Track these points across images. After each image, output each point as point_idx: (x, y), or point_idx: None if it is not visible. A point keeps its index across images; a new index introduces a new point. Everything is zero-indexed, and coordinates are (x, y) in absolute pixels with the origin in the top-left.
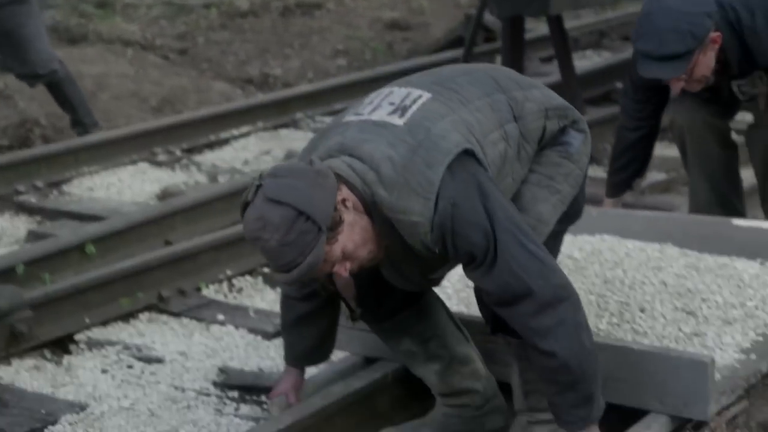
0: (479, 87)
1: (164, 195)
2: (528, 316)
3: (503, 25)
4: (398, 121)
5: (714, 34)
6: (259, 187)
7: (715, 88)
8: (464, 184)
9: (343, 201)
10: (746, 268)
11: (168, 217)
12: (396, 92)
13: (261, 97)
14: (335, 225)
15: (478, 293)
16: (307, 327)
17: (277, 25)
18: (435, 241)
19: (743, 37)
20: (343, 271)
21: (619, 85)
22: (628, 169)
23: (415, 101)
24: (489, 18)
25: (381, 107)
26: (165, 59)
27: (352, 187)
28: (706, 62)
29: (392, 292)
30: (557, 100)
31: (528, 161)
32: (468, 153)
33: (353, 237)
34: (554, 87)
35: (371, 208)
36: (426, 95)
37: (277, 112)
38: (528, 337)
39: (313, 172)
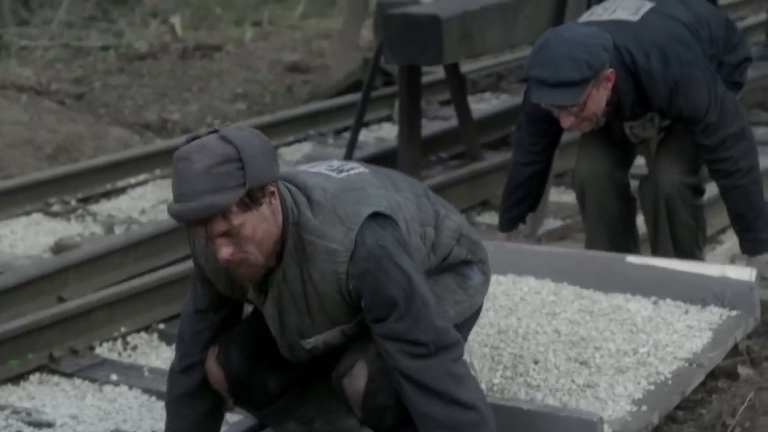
0: (411, 186)
1: (58, 248)
2: (449, 363)
3: (400, 71)
4: (335, 175)
5: (608, 71)
6: (216, 130)
7: (607, 129)
8: (390, 234)
9: (272, 194)
10: (639, 309)
11: (61, 272)
12: (335, 161)
13: (159, 144)
14: (256, 198)
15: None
16: (187, 407)
17: (176, 68)
18: (351, 275)
19: (638, 79)
20: (224, 249)
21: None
22: (521, 205)
23: (352, 168)
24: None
25: (319, 166)
26: (61, 104)
27: (281, 201)
28: (598, 99)
29: (267, 373)
30: (474, 235)
31: (428, 272)
32: (394, 220)
33: (257, 227)
34: (452, 132)
35: (288, 227)
36: (364, 169)
37: None
38: (444, 390)
39: (272, 151)
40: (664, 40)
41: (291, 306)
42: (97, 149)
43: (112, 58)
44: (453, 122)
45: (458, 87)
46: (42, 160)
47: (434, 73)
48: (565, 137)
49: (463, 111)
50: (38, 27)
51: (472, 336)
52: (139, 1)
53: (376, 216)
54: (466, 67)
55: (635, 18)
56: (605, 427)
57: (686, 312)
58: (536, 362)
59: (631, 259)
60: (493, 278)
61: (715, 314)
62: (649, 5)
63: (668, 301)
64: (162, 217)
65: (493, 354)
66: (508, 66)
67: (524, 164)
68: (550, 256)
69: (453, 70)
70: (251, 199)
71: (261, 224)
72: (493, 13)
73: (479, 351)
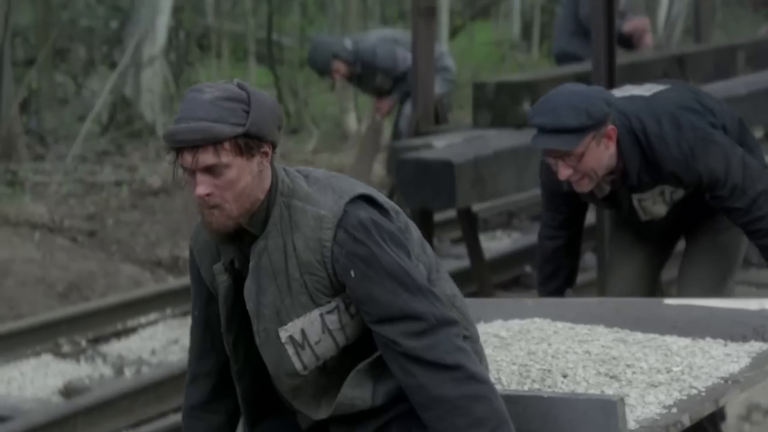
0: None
1: (67, 391)
2: (455, 337)
3: (412, 213)
4: None
5: (610, 128)
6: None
7: (614, 200)
8: (385, 219)
9: (265, 156)
10: (676, 341)
11: (70, 418)
12: None
13: (170, 282)
14: (250, 147)
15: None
16: (198, 420)
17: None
18: (337, 242)
19: (650, 145)
20: (203, 187)
21: (528, 269)
22: (554, 280)
23: None
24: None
25: None
26: (73, 241)
27: (273, 173)
28: (597, 155)
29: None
30: (467, 311)
31: None
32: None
33: (242, 176)
34: (464, 271)
35: (275, 196)
36: None
37: (187, 298)
38: (458, 363)
39: (279, 118)
40: (677, 108)
41: (271, 282)
42: (109, 287)
43: (125, 193)
44: (465, 261)
45: (470, 226)
46: (53, 299)
47: (444, 212)
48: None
49: (474, 250)
50: (53, 162)
51: (501, 355)
52: (152, 134)
53: (371, 200)
54: (477, 205)
55: (647, 94)
56: (627, 412)
57: (725, 345)
58: (565, 376)
59: (670, 301)
60: (528, 319)
61: (755, 347)
62: (663, 86)
63: (708, 339)
64: (172, 358)
65: (521, 371)
66: (519, 204)
67: (547, 238)
68: (587, 305)
69: (465, 209)
70: (245, 146)
71: (246, 176)
72: (506, 157)
73: (507, 368)
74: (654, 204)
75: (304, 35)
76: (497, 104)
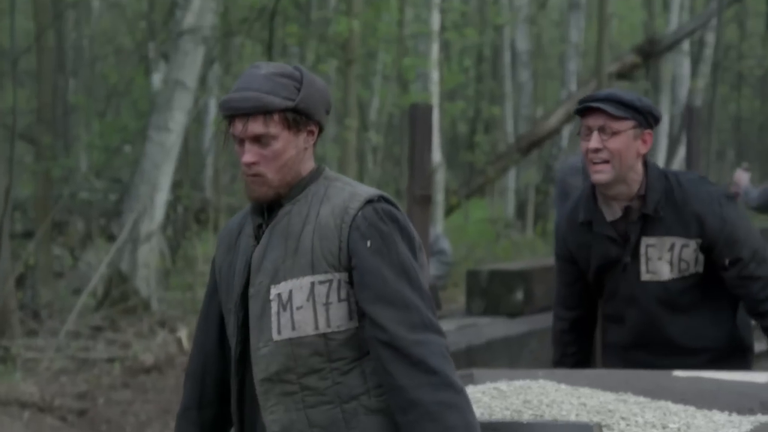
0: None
1: None
2: (443, 346)
3: None
4: None
5: (648, 132)
6: None
7: (622, 241)
8: (410, 229)
9: (311, 134)
10: (678, 405)
11: None
12: None
13: None
14: (298, 123)
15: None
16: (190, 424)
17: (181, 383)
18: (358, 210)
19: (680, 183)
20: (250, 155)
21: None
22: (566, 362)
23: None
24: None
25: None
26: (63, 421)
27: (319, 163)
28: (629, 145)
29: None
30: None
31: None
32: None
33: (287, 149)
34: None
35: (316, 176)
36: None
37: None
38: (440, 368)
39: (328, 103)
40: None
41: (281, 242)
42: None
43: (117, 370)
44: None
45: None
46: None
47: None
48: None
49: None
50: (45, 337)
51: (496, 403)
52: (147, 310)
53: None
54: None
55: None
56: None
57: (729, 414)
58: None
59: (678, 372)
60: (533, 380)
61: (760, 419)
62: None
63: (714, 411)
64: None
65: (513, 415)
66: None
67: (559, 318)
68: (597, 376)
69: None
70: (293, 121)
71: (291, 149)
72: (498, 346)
73: (500, 413)
74: (660, 258)
75: None
76: (490, 292)
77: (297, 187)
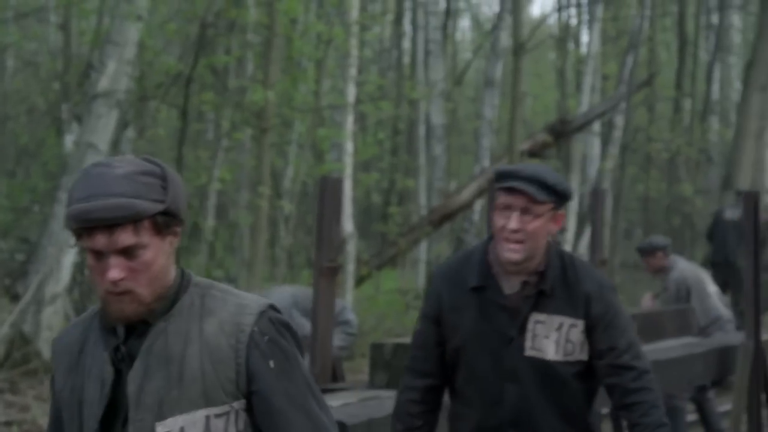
0: None
1: None
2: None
3: None
4: None
5: (561, 213)
6: None
7: (513, 313)
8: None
9: (176, 236)
10: None
11: None
12: None
13: None
14: (168, 226)
15: None
16: None
17: None
18: (253, 326)
19: (573, 264)
20: (116, 270)
21: None
22: None
23: None
24: None
25: None
26: None
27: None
28: (544, 228)
29: None
30: None
31: None
32: None
33: (158, 258)
34: None
35: (182, 285)
36: None
37: None
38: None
39: (187, 195)
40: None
41: (161, 368)
42: None
43: None
44: None
45: None
46: None
47: None
48: None
49: None
50: None
51: None
52: (48, 373)
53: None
54: None
55: None
56: None
57: None
58: None
59: None
60: None
61: None
62: None
63: None
64: None
65: None
66: None
67: (407, 388)
68: None
69: None
70: (164, 224)
71: (161, 257)
72: None
73: None
74: (547, 337)
75: (210, 277)
76: (394, 365)
77: (165, 299)
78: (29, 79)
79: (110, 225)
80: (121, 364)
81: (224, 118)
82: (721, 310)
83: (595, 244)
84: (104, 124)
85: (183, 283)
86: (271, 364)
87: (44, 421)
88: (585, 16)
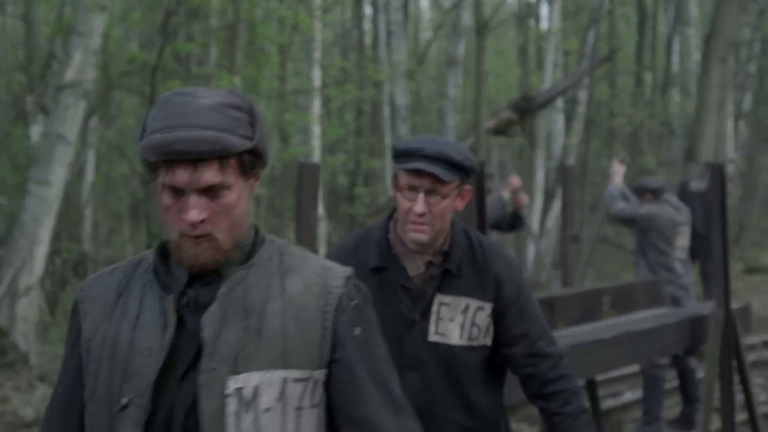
0: None
1: None
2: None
3: None
4: None
5: (467, 188)
6: None
7: (417, 296)
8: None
9: (256, 179)
10: None
11: None
12: None
13: None
14: (253, 167)
15: None
16: None
17: None
18: (342, 289)
19: (482, 245)
20: (197, 211)
21: None
22: None
23: None
24: None
25: None
26: None
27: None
28: (451, 206)
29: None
30: None
31: None
32: None
33: (240, 201)
34: None
35: (258, 240)
36: None
37: None
38: None
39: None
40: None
41: (239, 318)
42: None
43: None
44: None
45: None
46: None
47: None
48: None
49: None
50: None
51: None
52: (26, 364)
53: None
54: None
55: None
56: None
57: None
58: None
59: None
60: None
61: None
62: None
63: None
64: None
65: None
66: None
67: None
68: None
69: None
70: (249, 164)
71: (243, 201)
72: None
73: None
74: (452, 320)
75: None
76: None
77: (241, 250)
78: None
79: (194, 160)
80: (184, 310)
81: None
82: (674, 266)
83: (566, 220)
84: (72, 115)
85: (258, 237)
86: (356, 331)
87: (25, 412)
88: None
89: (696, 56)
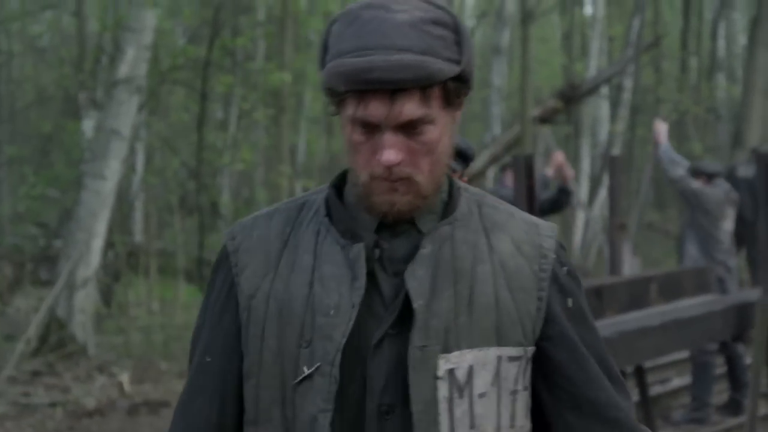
0: None
1: None
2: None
3: None
4: None
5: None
6: None
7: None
8: None
9: (460, 109)
10: None
11: None
12: None
13: None
14: (459, 96)
15: None
16: None
17: (125, 426)
18: (555, 253)
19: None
20: (394, 152)
21: None
22: None
23: None
24: None
25: None
26: None
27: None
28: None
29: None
30: None
31: None
32: None
33: (443, 137)
34: None
35: (454, 189)
36: None
37: None
38: None
39: None
40: None
41: (448, 285)
42: None
43: (60, 415)
44: None
45: None
46: None
47: None
48: None
49: None
50: None
51: None
52: (84, 355)
53: None
54: None
55: None
56: None
57: None
58: None
59: None
60: None
61: None
62: None
63: None
64: None
65: None
66: None
67: None
68: None
69: None
70: (454, 92)
71: (446, 137)
72: None
73: None
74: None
75: None
76: None
77: (439, 197)
78: (38, 64)
79: (392, 90)
80: (373, 264)
81: (242, 99)
82: (717, 248)
83: (613, 209)
84: (126, 110)
85: (454, 184)
86: (569, 302)
87: (86, 401)
88: None
89: (742, 40)
